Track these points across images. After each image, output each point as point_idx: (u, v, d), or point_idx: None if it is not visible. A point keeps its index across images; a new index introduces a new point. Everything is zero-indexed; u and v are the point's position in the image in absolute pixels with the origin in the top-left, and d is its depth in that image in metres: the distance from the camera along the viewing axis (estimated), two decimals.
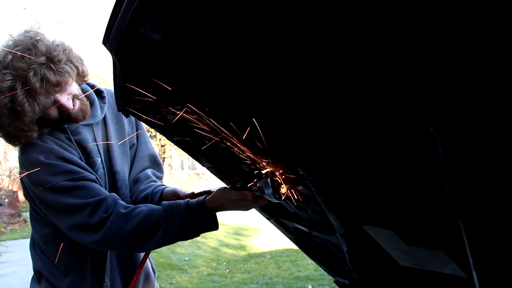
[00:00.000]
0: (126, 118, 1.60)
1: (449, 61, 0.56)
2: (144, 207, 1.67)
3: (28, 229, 14.78)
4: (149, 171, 2.12)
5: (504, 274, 0.68)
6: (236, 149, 1.40)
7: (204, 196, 1.69)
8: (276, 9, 0.68)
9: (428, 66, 0.56)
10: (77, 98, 1.75)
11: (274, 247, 9.16)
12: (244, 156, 1.42)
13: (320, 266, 1.92)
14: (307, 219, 1.61)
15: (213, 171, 1.74)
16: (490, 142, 0.58)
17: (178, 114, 1.37)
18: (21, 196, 19.43)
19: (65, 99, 1.69)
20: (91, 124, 1.89)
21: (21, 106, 1.57)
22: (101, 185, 1.78)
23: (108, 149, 1.96)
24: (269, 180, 1.40)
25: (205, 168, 1.78)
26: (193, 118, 1.33)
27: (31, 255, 1.98)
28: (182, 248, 9.60)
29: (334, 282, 1.85)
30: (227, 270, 7.64)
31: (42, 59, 1.59)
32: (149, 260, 2.19)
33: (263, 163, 1.41)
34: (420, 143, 0.67)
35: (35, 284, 1.95)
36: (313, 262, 1.94)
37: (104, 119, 1.97)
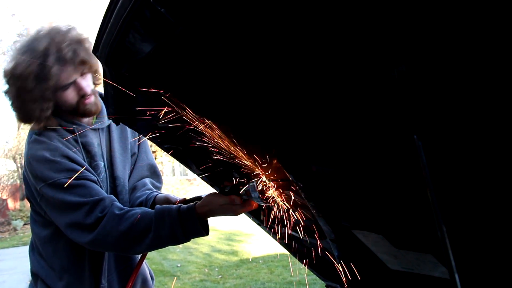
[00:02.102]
0: (117, 125, 1.62)
1: (432, 70, 0.57)
2: (138, 209, 1.70)
3: (18, 237, 14.66)
4: (147, 180, 2.16)
5: (487, 276, 0.70)
6: (226, 155, 1.41)
7: (195, 201, 1.70)
8: (262, 20, 0.69)
9: (412, 75, 0.57)
10: (93, 94, 1.85)
11: (266, 252, 9.15)
12: (234, 161, 1.43)
13: (312, 271, 1.93)
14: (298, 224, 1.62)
15: (204, 177, 1.75)
16: (471, 149, 0.59)
17: (169, 121, 1.37)
18: (10, 204, 19.25)
19: (85, 83, 1.79)
20: (98, 129, 1.96)
21: (49, 69, 1.69)
22: (101, 187, 1.81)
23: (111, 155, 2.01)
24: (255, 183, 1.41)
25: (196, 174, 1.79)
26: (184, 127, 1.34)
27: (29, 258, 2.00)
28: (174, 254, 9.56)
29: (326, 286, 1.86)
30: (220, 276, 7.61)
31: (75, 38, 1.76)
32: (146, 266, 2.20)
33: (253, 168, 1.42)
34: (405, 150, 0.69)
35: (32, 287, 1.96)
36: (305, 267, 1.95)
37: (109, 126, 2.03)
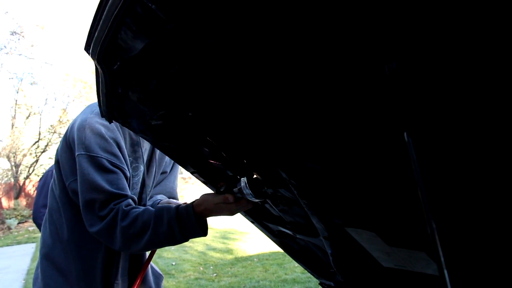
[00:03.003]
0: (110, 124, 1.63)
1: (424, 67, 0.57)
2: (141, 208, 1.73)
3: (12, 236, 14.58)
4: (160, 196, 2.21)
5: (478, 274, 0.70)
6: (220, 153, 1.41)
7: (193, 201, 1.72)
8: (252, 17, 0.69)
9: (403, 72, 0.57)
10: None
11: (261, 250, 9.17)
12: (228, 159, 1.42)
13: (305, 269, 1.93)
14: (291, 222, 1.62)
15: (198, 176, 1.75)
16: (462, 146, 0.59)
17: (162, 119, 1.37)
18: (4, 203, 19.15)
19: None
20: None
21: None
22: (129, 187, 1.84)
23: (150, 164, 2.05)
24: (246, 180, 1.41)
25: None
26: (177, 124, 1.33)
27: (43, 239, 1.97)
28: (169, 252, 9.55)
29: (319, 284, 1.86)
30: (214, 274, 7.62)
31: None
32: (151, 268, 2.21)
33: (246, 166, 1.42)
34: (397, 147, 0.69)
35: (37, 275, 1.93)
36: (299, 265, 1.96)
37: None
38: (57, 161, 1.89)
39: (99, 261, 1.85)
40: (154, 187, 2.15)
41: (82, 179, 1.71)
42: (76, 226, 1.84)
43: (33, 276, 1.97)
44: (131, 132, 1.88)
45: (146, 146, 1.98)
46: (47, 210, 1.97)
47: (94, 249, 1.85)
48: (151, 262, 2.19)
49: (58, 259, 1.86)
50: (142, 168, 1.97)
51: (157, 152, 2.07)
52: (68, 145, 1.81)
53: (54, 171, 1.94)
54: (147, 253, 2.09)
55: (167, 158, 2.19)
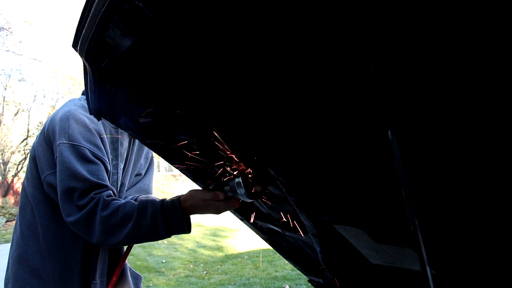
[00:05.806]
0: (98, 121, 1.61)
1: (408, 66, 0.58)
2: (123, 200, 1.71)
3: (0, 234, 14.43)
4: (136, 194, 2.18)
5: (461, 271, 0.71)
6: (209, 151, 1.41)
7: (179, 195, 1.70)
8: (240, 14, 0.69)
9: (388, 70, 0.58)
10: None
11: (251, 247, 9.18)
12: (217, 158, 1.42)
13: (294, 266, 1.94)
14: (280, 219, 1.62)
15: (187, 173, 1.74)
16: (445, 144, 0.60)
17: (150, 117, 1.37)
18: None
19: None
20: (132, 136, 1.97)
21: None
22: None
23: (127, 163, 2.03)
24: (240, 180, 1.40)
25: None
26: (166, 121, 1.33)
27: (15, 241, 1.89)
28: (159, 250, 9.53)
29: (308, 281, 1.87)
30: (205, 272, 7.62)
31: None
32: (130, 270, 2.18)
33: (236, 164, 1.42)
34: (382, 145, 0.69)
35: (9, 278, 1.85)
36: (289, 262, 1.97)
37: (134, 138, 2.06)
38: (33, 157, 1.85)
39: (77, 261, 1.80)
40: (128, 189, 2.11)
41: (62, 167, 1.67)
42: (51, 225, 1.80)
43: (4, 280, 1.89)
44: (112, 130, 1.87)
45: (125, 144, 1.96)
46: (18, 211, 1.93)
47: (71, 248, 1.80)
48: (128, 266, 2.17)
49: (32, 261, 1.80)
50: (121, 165, 1.95)
51: (134, 152, 2.06)
52: (46, 137, 1.78)
53: (28, 168, 1.91)
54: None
55: (142, 160, 2.18)
